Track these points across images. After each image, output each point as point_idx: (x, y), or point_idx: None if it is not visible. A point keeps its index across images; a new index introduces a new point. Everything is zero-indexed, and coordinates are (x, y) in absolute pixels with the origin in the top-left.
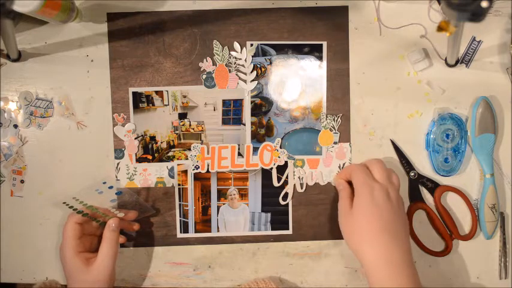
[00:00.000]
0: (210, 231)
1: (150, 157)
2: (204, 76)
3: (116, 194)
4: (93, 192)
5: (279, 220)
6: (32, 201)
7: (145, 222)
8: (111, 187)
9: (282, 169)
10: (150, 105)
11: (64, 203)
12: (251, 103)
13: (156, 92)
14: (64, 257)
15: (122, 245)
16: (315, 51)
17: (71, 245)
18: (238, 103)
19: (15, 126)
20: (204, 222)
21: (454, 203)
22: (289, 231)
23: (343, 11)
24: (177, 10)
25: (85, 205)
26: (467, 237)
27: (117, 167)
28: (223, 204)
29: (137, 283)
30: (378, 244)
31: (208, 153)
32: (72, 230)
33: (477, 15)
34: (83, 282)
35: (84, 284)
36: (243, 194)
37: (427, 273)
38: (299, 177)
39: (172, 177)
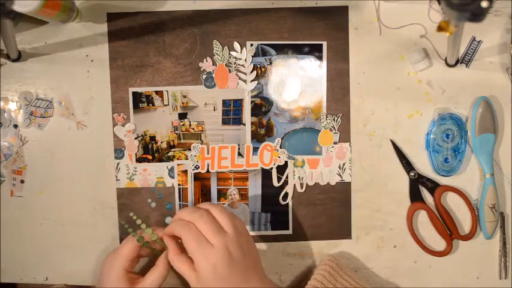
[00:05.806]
0: None
1: (150, 157)
2: (204, 76)
3: (167, 208)
4: (147, 206)
5: (279, 220)
6: (32, 201)
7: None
8: (160, 196)
9: (282, 169)
10: (150, 105)
11: (123, 224)
12: (251, 103)
13: (156, 92)
14: (110, 273)
15: None
16: (315, 51)
17: (122, 265)
18: (238, 103)
19: (15, 126)
20: None
21: (454, 203)
22: (289, 231)
23: (343, 11)
24: (177, 10)
25: (142, 224)
26: (467, 237)
27: (117, 167)
28: (223, 204)
29: None
30: None
31: (208, 153)
32: (131, 252)
33: (477, 15)
34: None
35: None
36: (243, 194)
37: (427, 273)
38: (299, 177)
39: (172, 177)
